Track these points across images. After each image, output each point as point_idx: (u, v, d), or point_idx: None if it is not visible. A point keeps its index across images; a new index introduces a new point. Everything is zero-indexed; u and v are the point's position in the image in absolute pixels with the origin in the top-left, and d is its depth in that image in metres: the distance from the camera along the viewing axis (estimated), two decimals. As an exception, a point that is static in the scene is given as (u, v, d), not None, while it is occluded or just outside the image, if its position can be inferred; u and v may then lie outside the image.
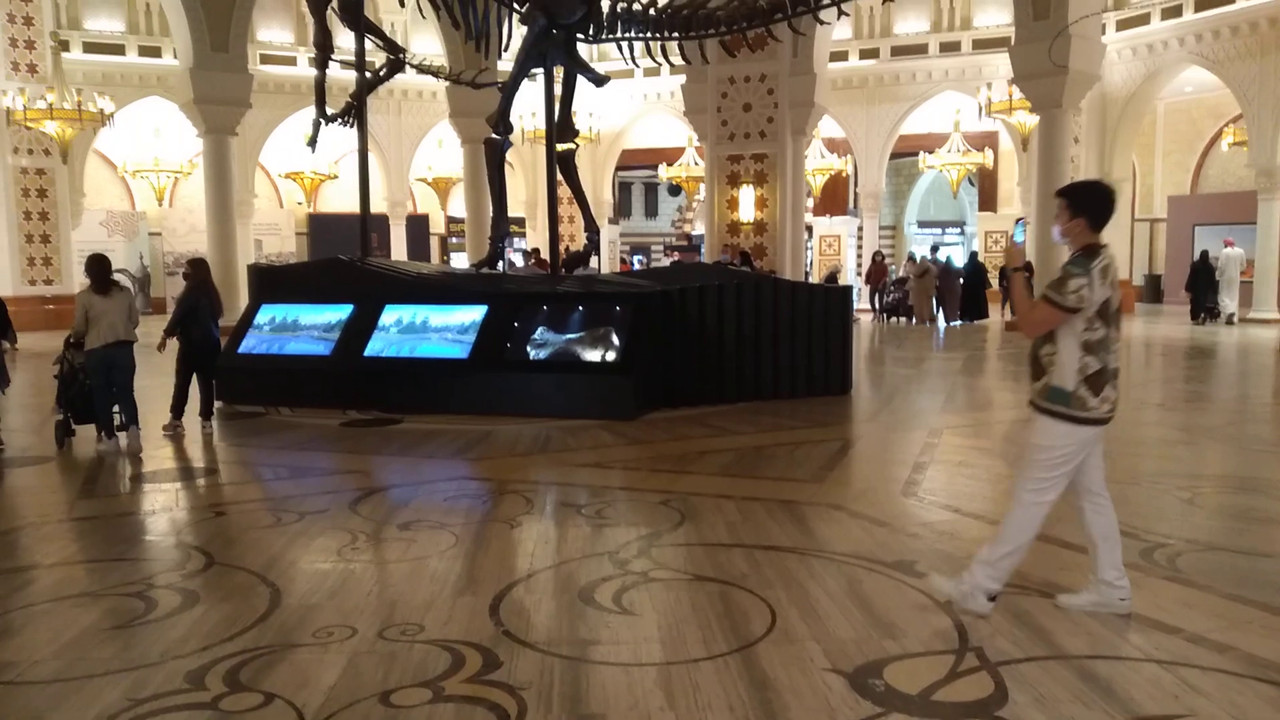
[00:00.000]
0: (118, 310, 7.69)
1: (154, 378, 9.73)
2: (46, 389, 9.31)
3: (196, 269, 8.95)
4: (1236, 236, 20.64)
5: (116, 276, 8.23)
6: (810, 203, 25.53)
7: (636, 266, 29.65)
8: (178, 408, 8.64)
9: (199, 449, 8.20)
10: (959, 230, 31.16)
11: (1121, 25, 20.54)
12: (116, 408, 7.90)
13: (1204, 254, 20.12)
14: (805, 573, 4.53)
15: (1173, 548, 4.89)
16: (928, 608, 4.06)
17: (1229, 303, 19.42)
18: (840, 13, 9.65)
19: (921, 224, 31.37)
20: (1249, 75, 18.52)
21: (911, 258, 22.17)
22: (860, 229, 25.89)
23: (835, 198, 27.21)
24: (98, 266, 7.77)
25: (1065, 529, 5.19)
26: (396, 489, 6.73)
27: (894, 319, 21.20)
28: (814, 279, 24.68)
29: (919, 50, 23.08)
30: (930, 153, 23.56)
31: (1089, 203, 3.85)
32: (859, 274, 22.70)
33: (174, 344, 8.84)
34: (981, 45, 22.34)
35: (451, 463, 7.47)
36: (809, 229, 25.41)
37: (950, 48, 22.83)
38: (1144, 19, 20.21)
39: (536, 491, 6.40)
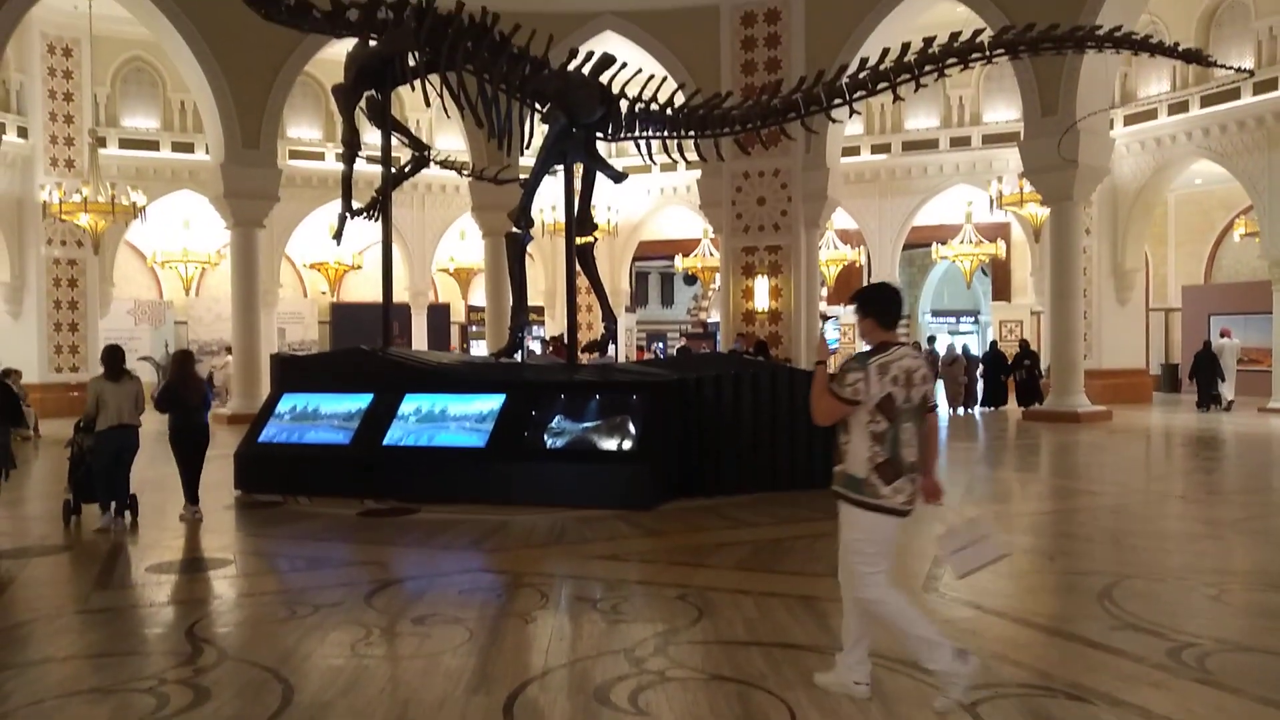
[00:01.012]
0: (125, 396, 8.35)
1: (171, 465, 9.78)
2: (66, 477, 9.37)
3: (176, 361, 9.49)
4: (1253, 326, 20.62)
5: (140, 363, 8.72)
6: (824, 292, 25.76)
7: (661, 353, 29.85)
8: (188, 493, 8.86)
9: (216, 538, 8.21)
10: (973, 319, 31.24)
11: (1129, 120, 20.92)
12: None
13: (1206, 343, 20.34)
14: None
15: (1202, 647, 4.79)
16: (950, 711, 3.98)
17: (1226, 390, 19.71)
18: (852, 111, 9.94)
19: (936, 313, 31.49)
20: (1258, 168, 18.76)
21: (917, 346, 21.74)
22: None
23: (849, 287, 27.40)
24: (110, 356, 8.52)
25: (1092, 627, 5.12)
26: (412, 581, 6.70)
27: None
28: (830, 368, 24.73)
29: (930, 145, 23.53)
30: (943, 243, 23.82)
31: (874, 304, 4.22)
32: None
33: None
34: (991, 140, 22.77)
35: (467, 554, 7.44)
36: (824, 318, 25.59)
37: (961, 142, 23.28)
38: (1151, 114, 20.59)
39: (552, 585, 6.35)
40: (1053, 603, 6.01)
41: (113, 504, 8.34)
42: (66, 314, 21.07)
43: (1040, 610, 5.76)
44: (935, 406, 4.26)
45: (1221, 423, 17.21)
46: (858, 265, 25.86)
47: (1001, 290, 26.24)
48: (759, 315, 19.61)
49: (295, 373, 11.10)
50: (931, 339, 22.10)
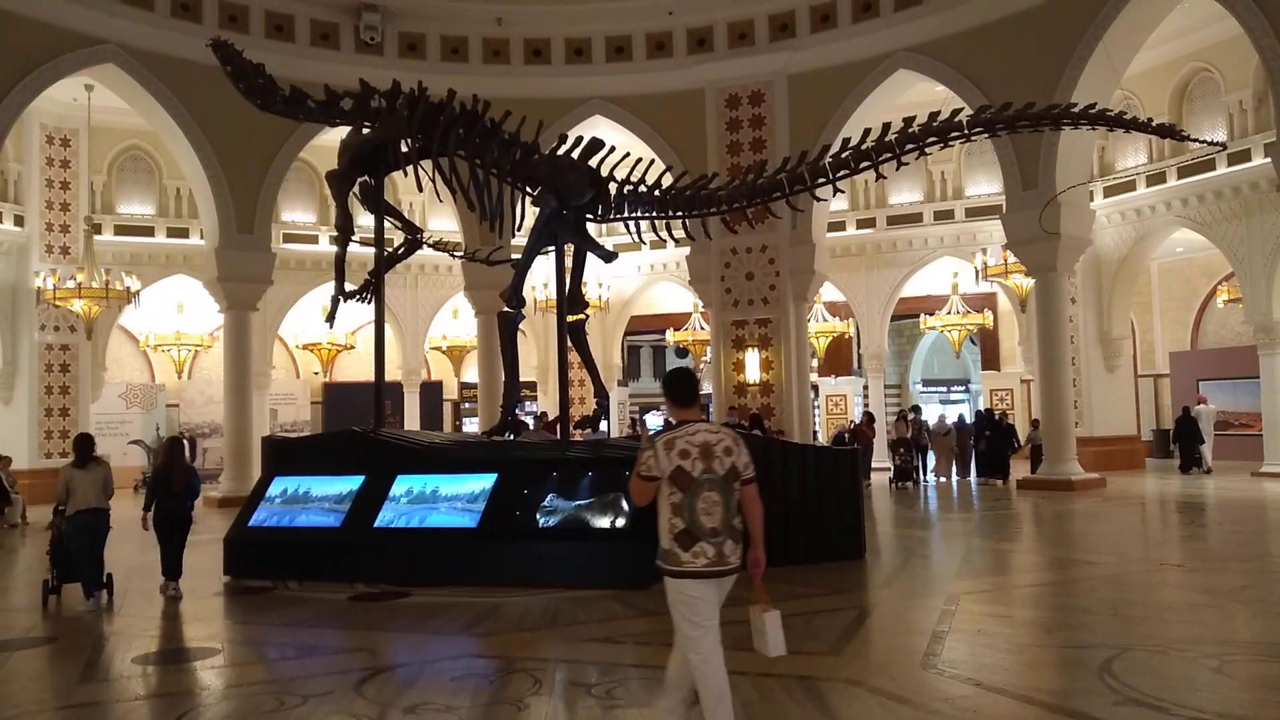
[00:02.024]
0: (93, 482, 8.76)
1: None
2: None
3: (166, 449, 9.84)
4: (1241, 391, 20.80)
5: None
6: (815, 363, 25.89)
7: (654, 427, 29.72)
8: (165, 570, 9.17)
9: (203, 626, 8.09)
10: (964, 388, 31.38)
11: (1109, 191, 21.37)
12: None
13: (1185, 410, 20.85)
14: (824, 755, 4.38)
15: (1203, 722, 4.73)
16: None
17: (1206, 454, 20.24)
18: (835, 190, 10.14)
19: (926, 383, 31.64)
20: (1236, 236, 19.12)
21: (903, 417, 21.31)
22: (866, 388, 26.16)
23: (839, 358, 27.59)
24: (80, 444, 9.02)
25: (1094, 702, 5.06)
26: (403, 668, 6.60)
27: (904, 484, 19.16)
28: (822, 438, 24.73)
29: (914, 219, 23.95)
30: (931, 314, 24.06)
31: (668, 388, 4.60)
32: (846, 436, 20.82)
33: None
34: (974, 213, 23.18)
35: (459, 639, 7.33)
36: (815, 389, 25.67)
37: (944, 216, 23.70)
38: (1130, 185, 21.04)
39: (545, 670, 6.26)
40: (1054, 677, 5.94)
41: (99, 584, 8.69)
42: (58, 399, 21.02)
43: (1041, 686, 5.69)
44: (752, 478, 4.43)
45: (1215, 488, 17.20)
46: (847, 337, 26.06)
47: (990, 359, 26.43)
48: (750, 388, 19.70)
49: (286, 455, 11.07)
50: (916, 409, 22.11)
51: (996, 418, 20.60)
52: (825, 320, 24.97)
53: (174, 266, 22.87)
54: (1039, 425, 20.69)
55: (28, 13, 15.50)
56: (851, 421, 21.75)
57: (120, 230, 22.50)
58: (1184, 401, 21.74)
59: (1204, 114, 20.00)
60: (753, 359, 19.59)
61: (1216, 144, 11.76)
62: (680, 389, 4.52)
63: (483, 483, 9.55)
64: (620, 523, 9.05)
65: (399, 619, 7.99)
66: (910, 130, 9.16)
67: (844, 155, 9.48)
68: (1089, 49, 15.81)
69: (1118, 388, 22.25)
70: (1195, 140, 10.73)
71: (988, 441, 19.69)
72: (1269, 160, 14.43)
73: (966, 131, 9.05)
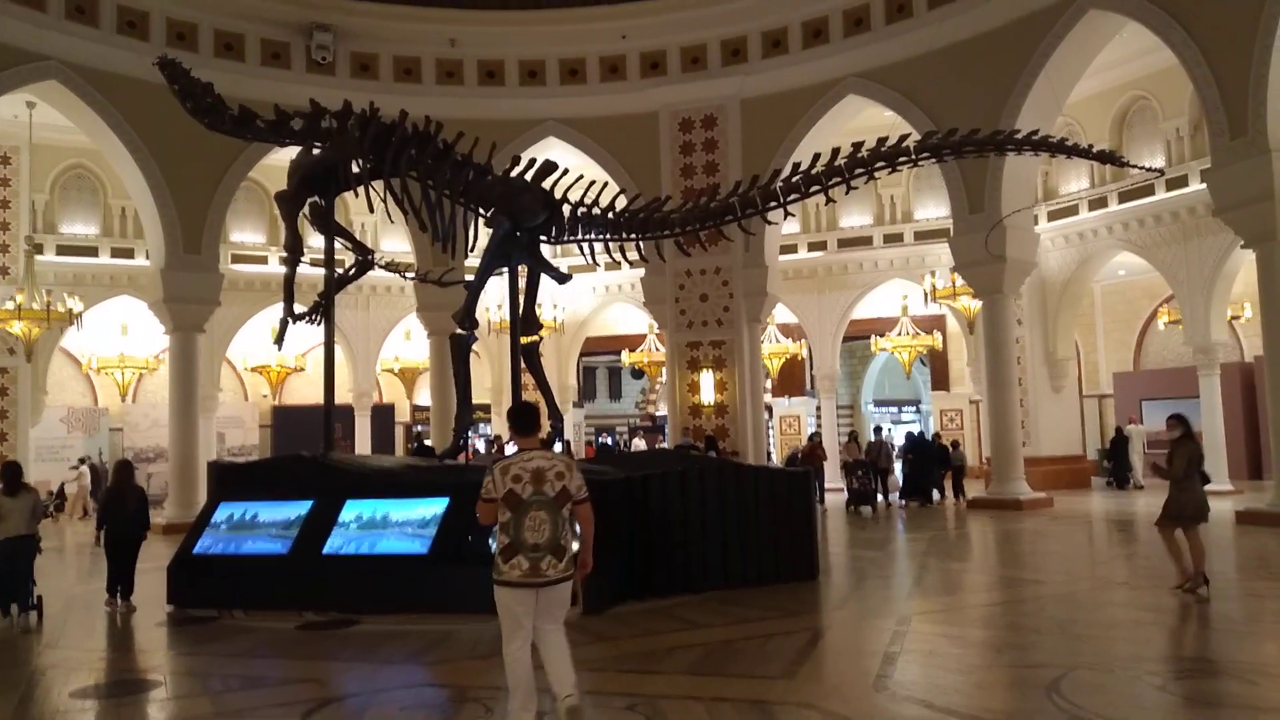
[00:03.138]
0: (21, 510, 9.05)
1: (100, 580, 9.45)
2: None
3: (116, 472, 10.43)
4: (1182, 410, 21.28)
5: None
6: (769, 384, 26.06)
7: (610, 443, 29.69)
8: (110, 587, 9.66)
9: (146, 657, 7.87)
10: (915, 409, 31.79)
11: (1053, 215, 21.87)
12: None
13: (1118, 429, 21.90)
14: (777, 781, 4.38)
15: (1148, 740, 4.80)
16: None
17: (1136, 473, 21.32)
18: (786, 213, 10.27)
19: (878, 403, 32.00)
20: (1176, 259, 19.66)
21: (853, 438, 21.19)
22: (819, 409, 26.38)
23: (793, 379, 27.82)
24: (9, 472, 9.28)
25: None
26: (352, 699, 6.47)
27: (862, 508, 18.13)
28: (776, 459, 24.86)
29: (864, 242, 24.28)
30: (881, 335, 24.36)
31: (509, 420, 5.37)
32: (799, 456, 20.69)
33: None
34: (923, 236, 23.57)
35: (409, 668, 7.22)
36: (769, 410, 25.84)
37: (894, 239, 24.06)
38: (1073, 209, 21.56)
39: (497, 699, 6.16)
40: (1003, 698, 6.00)
41: (13, 606, 8.97)
42: (-5, 424, 20.44)
43: (991, 706, 5.74)
44: (585, 499, 5.12)
45: (1157, 507, 17.54)
46: (800, 358, 26.28)
47: (940, 380, 26.82)
48: (706, 409, 19.77)
49: (232, 480, 10.85)
50: (878, 429, 22.21)
51: (928, 439, 20.73)
52: (778, 341, 25.16)
53: (118, 287, 22.33)
54: (958, 446, 21.11)
55: (-35, 28, 15.16)
56: (809, 441, 21.45)
57: (63, 250, 21.97)
58: (1128, 421, 22.25)
59: (1143, 140, 20.61)
60: (708, 380, 19.68)
61: (1155, 170, 12.12)
62: (521, 421, 5.25)
63: (434, 507, 9.43)
64: (574, 546, 8.96)
65: (348, 648, 7.84)
66: (859, 155, 9.31)
67: (794, 180, 9.60)
68: (1032, 77, 16.22)
69: (1063, 408, 22.70)
70: (1134, 166, 11.05)
71: (910, 465, 19.79)
72: (1205, 186, 14.87)
73: (914, 156, 9.21)
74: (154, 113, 16.58)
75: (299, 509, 9.80)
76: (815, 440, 20.75)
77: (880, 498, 19.28)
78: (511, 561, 4.93)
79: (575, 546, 5.34)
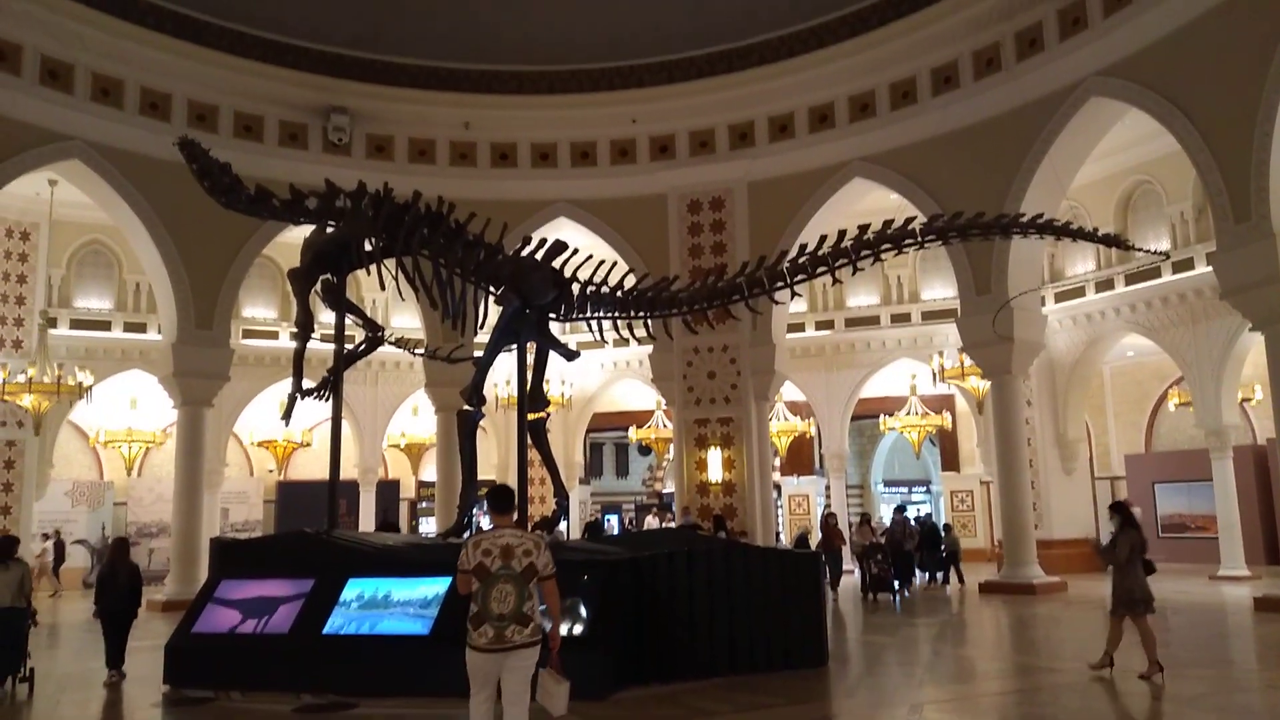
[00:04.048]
0: (9, 583, 9.33)
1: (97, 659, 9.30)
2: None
3: (113, 549, 10.76)
4: (1195, 494, 21.09)
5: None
6: (777, 462, 25.90)
7: (612, 525, 29.40)
8: (110, 662, 10.00)
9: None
10: (925, 489, 31.50)
11: (1060, 297, 21.96)
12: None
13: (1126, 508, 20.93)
14: None
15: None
16: None
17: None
18: (793, 294, 10.32)
19: (888, 483, 31.73)
20: (1184, 341, 19.65)
21: (865, 521, 20.36)
22: (828, 488, 26.16)
23: (801, 458, 27.64)
24: (1, 546, 9.54)
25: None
26: (348, 785, 6.28)
27: (880, 595, 17.37)
28: (785, 539, 24.56)
29: (871, 321, 24.37)
30: (890, 415, 24.28)
31: (488, 499, 5.87)
32: (807, 536, 20.20)
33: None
34: (930, 316, 23.65)
35: (409, 753, 7.02)
36: (777, 488, 25.62)
37: (901, 319, 24.15)
38: (1080, 291, 21.65)
39: (498, 786, 5.99)
40: (1019, 793, 5.79)
41: (9, 679, 9.24)
42: (0, 497, 20.36)
43: (1007, 802, 5.54)
44: (550, 575, 5.56)
45: (1173, 592, 17.22)
46: (808, 436, 26.17)
47: (950, 460, 26.62)
48: (713, 487, 19.61)
49: (235, 557, 10.73)
50: (900, 508, 21.52)
51: (916, 523, 20.18)
52: (787, 419, 25.09)
53: (130, 361, 22.48)
54: (950, 530, 20.70)
55: (-6, 108, 15.57)
56: (824, 521, 20.51)
57: (76, 324, 22.17)
58: (1141, 504, 21.94)
59: (1148, 223, 20.79)
60: (715, 458, 19.56)
61: (1160, 253, 12.21)
62: (498, 501, 5.82)
63: (436, 587, 9.30)
64: (578, 629, 8.82)
65: (345, 732, 7.65)
66: (865, 237, 9.41)
67: (801, 260, 9.69)
68: (1036, 162, 16.45)
69: (1075, 490, 22.45)
70: (1139, 249, 11.14)
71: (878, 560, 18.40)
72: (1212, 269, 14.95)
73: (920, 239, 9.30)
74: (172, 190, 16.91)
75: (301, 587, 9.68)
76: (830, 521, 20.16)
77: (899, 583, 18.41)
78: (479, 629, 5.41)
79: (547, 624, 5.75)
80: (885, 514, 23.31)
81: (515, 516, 6.04)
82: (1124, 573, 9.11)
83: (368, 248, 11.28)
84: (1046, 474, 21.69)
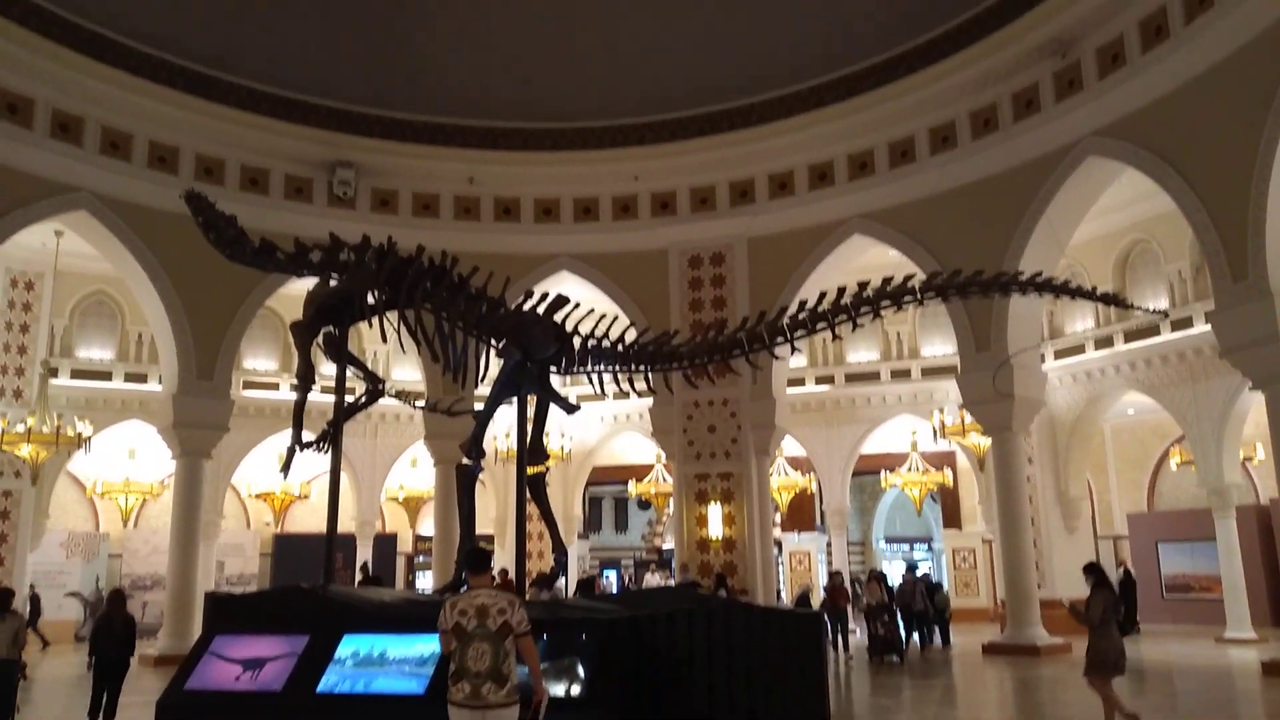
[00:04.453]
0: (3, 635, 9.58)
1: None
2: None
3: (109, 600, 10.96)
4: (1199, 554, 20.90)
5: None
6: (778, 519, 25.72)
7: (610, 581, 29.11)
8: (92, 712, 10.17)
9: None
10: (927, 546, 31.24)
11: (1059, 354, 21.98)
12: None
13: (1126, 570, 21.02)
14: None
15: None
16: None
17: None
18: (793, 349, 10.34)
19: (889, 540, 31.49)
20: (1185, 400, 19.62)
21: (874, 578, 19.25)
22: (829, 545, 25.93)
23: (802, 514, 27.47)
24: None
25: None
26: None
27: (890, 657, 16.76)
28: (786, 596, 24.28)
29: (871, 377, 24.39)
30: (891, 471, 24.16)
31: (466, 560, 6.36)
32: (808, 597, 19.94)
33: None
34: (930, 373, 23.67)
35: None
36: (778, 544, 25.40)
37: (901, 374, 24.17)
38: (1079, 348, 21.68)
39: None
40: None
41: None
42: (-7, 548, 20.20)
43: None
44: (525, 633, 5.87)
45: (1180, 655, 16.97)
46: (809, 492, 26.03)
47: (952, 518, 26.42)
48: (713, 543, 19.43)
49: (229, 612, 10.59)
50: (912, 567, 21.01)
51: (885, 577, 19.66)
52: (787, 475, 24.98)
53: (129, 412, 22.46)
54: (941, 587, 20.32)
55: (2, 160, 15.73)
56: (830, 580, 20.13)
57: (77, 374, 22.19)
58: (1144, 564, 21.78)
59: (1146, 281, 20.90)
60: (715, 513, 19.42)
61: (1159, 311, 12.23)
62: (475, 563, 6.25)
63: (433, 644, 9.15)
64: (576, 690, 8.67)
65: (337, 793, 7.48)
66: (865, 294, 9.44)
67: (800, 316, 9.72)
68: (1034, 220, 16.59)
69: (1078, 549, 22.21)
70: (1137, 308, 11.15)
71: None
72: (1211, 327, 14.99)
73: (919, 296, 9.33)
74: (177, 242, 17.05)
75: (295, 644, 9.54)
76: (836, 580, 19.66)
77: (913, 643, 18.07)
78: (458, 685, 5.72)
79: (521, 677, 5.97)
80: (888, 572, 23.06)
81: (492, 576, 6.37)
82: (1099, 634, 9.01)
83: (370, 301, 11.33)
84: (1049, 533, 21.51)
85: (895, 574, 22.41)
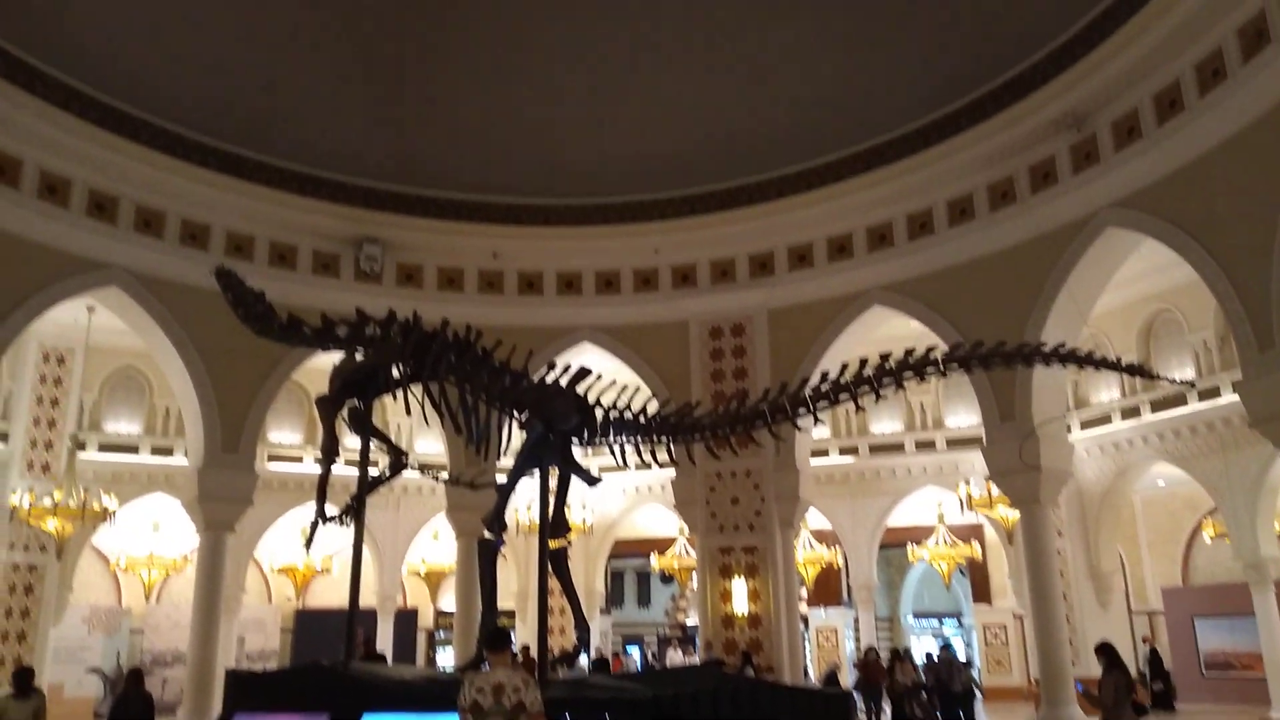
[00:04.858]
0: (26, 711, 9.82)
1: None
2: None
3: (127, 679, 11.38)
4: (1239, 630, 20.32)
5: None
6: (804, 593, 25.30)
7: (633, 658, 28.59)
8: None
9: None
10: (957, 621, 30.57)
11: (1086, 424, 21.75)
12: None
13: (1152, 648, 20.87)
14: None
15: None
16: None
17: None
18: (816, 420, 10.32)
19: (918, 615, 30.85)
20: (1216, 471, 19.29)
21: (898, 656, 19.18)
22: (856, 620, 25.42)
23: (828, 588, 27.02)
24: (18, 677, 10.18)
25: None
26: None
27: None
28: (813, 674, 23.76)
29: (896, 448, 24.19)
30: (918, 544, 23.80)
31: (485, 640, 6.96)
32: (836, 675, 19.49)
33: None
34: (955, 444, 23.46)
35: None
36: (804, 620, 24.95)
37: (926, 445, 23.96)
38: (1106, 419, 21.46)
39: None
40: None
41: None
42: (16, 623, 20.15)
43: None
44: (539, 713, 6.25)
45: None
46: (835, 566, 25.64)
47: (981, 592, 25.91)
48: (739, 619, 19.09)
49: (249, 691, 10.50)
50: (946, 645, 20.40)
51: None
52: (813, 548, 24.66)
53: (155, 485, 22.56)
54: (970, 665, 19.63)
55: (40, 238, 16.04)
56: (864, 656, 19.34)
57: (105, 448, 22.40)
58: (1181, 641, 21.18)
59: (1171, 351, 20.72)
60: (740, 588, 19.13)
61: (1185, 382, 12.09)
62: (494, 641, 6.76)
63: (453, 722, 9.02)
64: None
65: None
66: (887, 365, 9.44)
67: (823, 388, 9.71)
68: (1054, 291, 16.52)
69: (1112, 624, 21.70)
70: (1163, 378, 11.06)
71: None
72: (1239, 397, 14.79)
73: (941, 368, 9.32)
74: (205, 317, 17.25)
75: (316, 722, 9.42)
76: (871, 656, 19.06)
77: None
78: None
79: None
80: (916, 648, 22.55)
81: (512, 654, 6.76)
82: (1111, 715, 8.75)
83: (395, 374, 11.44)
84: (1081, 608, 21.03)
85: (922, 651, 21.90)
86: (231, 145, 18.15)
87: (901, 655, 19.22)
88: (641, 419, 10.81)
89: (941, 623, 30.72)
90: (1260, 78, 12.91)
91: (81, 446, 20.95)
